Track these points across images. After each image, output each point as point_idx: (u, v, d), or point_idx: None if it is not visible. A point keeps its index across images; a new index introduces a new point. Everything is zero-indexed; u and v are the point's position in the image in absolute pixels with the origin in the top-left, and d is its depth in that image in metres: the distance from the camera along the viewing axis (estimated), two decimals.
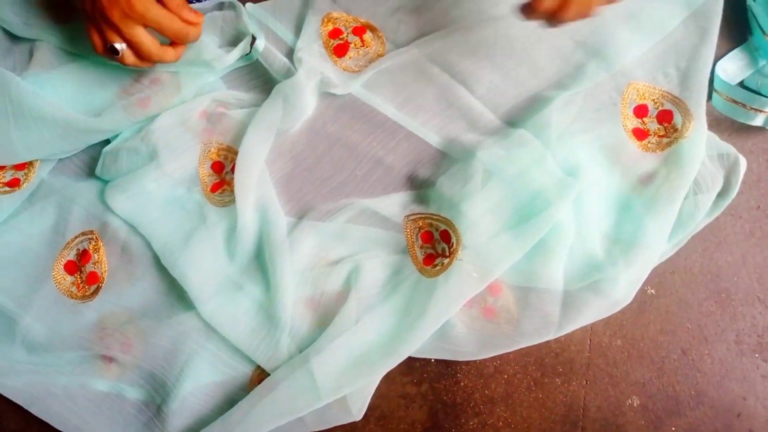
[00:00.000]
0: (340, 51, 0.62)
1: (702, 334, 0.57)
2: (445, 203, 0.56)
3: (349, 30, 0.62)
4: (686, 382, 0.56)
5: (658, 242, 0.54)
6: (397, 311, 0.54)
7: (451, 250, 0.54)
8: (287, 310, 0.54)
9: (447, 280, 0.53)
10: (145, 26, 0.51)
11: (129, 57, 0.52)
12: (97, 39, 0.52)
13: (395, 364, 0.52)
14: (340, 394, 0.52)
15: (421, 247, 0.57)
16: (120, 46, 0.51)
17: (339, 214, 0.57)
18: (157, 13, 0.50)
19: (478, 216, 0.54)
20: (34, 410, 0.55)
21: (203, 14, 0.56)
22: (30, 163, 0.59)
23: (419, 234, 0.57)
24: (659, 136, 0.58)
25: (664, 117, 0.58)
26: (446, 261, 0.54)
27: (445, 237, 0.55)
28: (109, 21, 0.49)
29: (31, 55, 0.59)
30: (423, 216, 0.57)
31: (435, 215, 0.57)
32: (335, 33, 0.62)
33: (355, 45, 0.62)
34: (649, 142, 0.58)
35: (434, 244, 0.56)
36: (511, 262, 0.52)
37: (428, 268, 0.55)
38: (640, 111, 0.58)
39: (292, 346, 0.54)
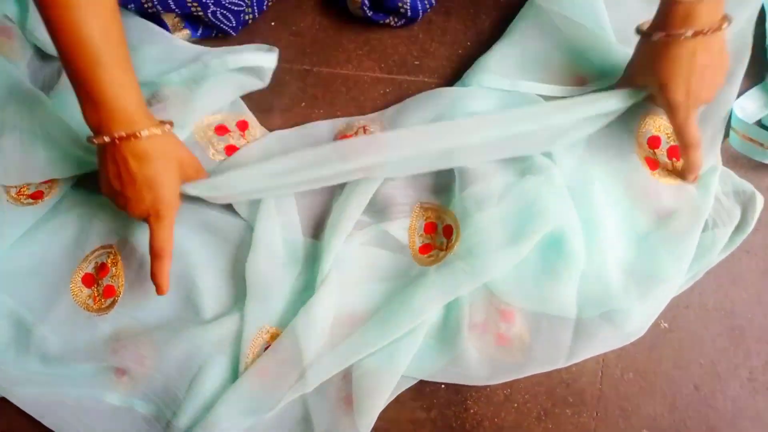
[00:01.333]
0: None
1: (715, 370, 0.57)
2: (457, 209, 0.57)
3: None
4: (698, 418, 0.56)
5: (675, 278, 0.54)
6: (383, 288, 0.56)
7: (449, 244, 0.55)
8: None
9: (438, 270, 0.54)
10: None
11: None
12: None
13: (380, 346, 0.53)
14: (329, 374, 0.53)
15: (421, 236, 0.58)
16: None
17: (355, 236, 0.58)
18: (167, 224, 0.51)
19: (486, 224, 0.55)
20: (46, 422, 0.55)
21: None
22: None
23: (424, 223, 0.59)
24: (668, 170, 0.58)
25: (674, 153, 0.58)
26: (441, 254, 0.56)
27: (447, 232, 0.57)
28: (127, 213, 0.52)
29: (59, 73, 0.60)
30: (434, 207, 0.59)
31: (445, 208, 0.58)
32: None
33: None
34: (660, 171, 0.58)
35: (435, 236, 0.58)
36: (504, 267, 0.53)
37: (423, 256, 0.57)
38: (654, 142, 0.59)
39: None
